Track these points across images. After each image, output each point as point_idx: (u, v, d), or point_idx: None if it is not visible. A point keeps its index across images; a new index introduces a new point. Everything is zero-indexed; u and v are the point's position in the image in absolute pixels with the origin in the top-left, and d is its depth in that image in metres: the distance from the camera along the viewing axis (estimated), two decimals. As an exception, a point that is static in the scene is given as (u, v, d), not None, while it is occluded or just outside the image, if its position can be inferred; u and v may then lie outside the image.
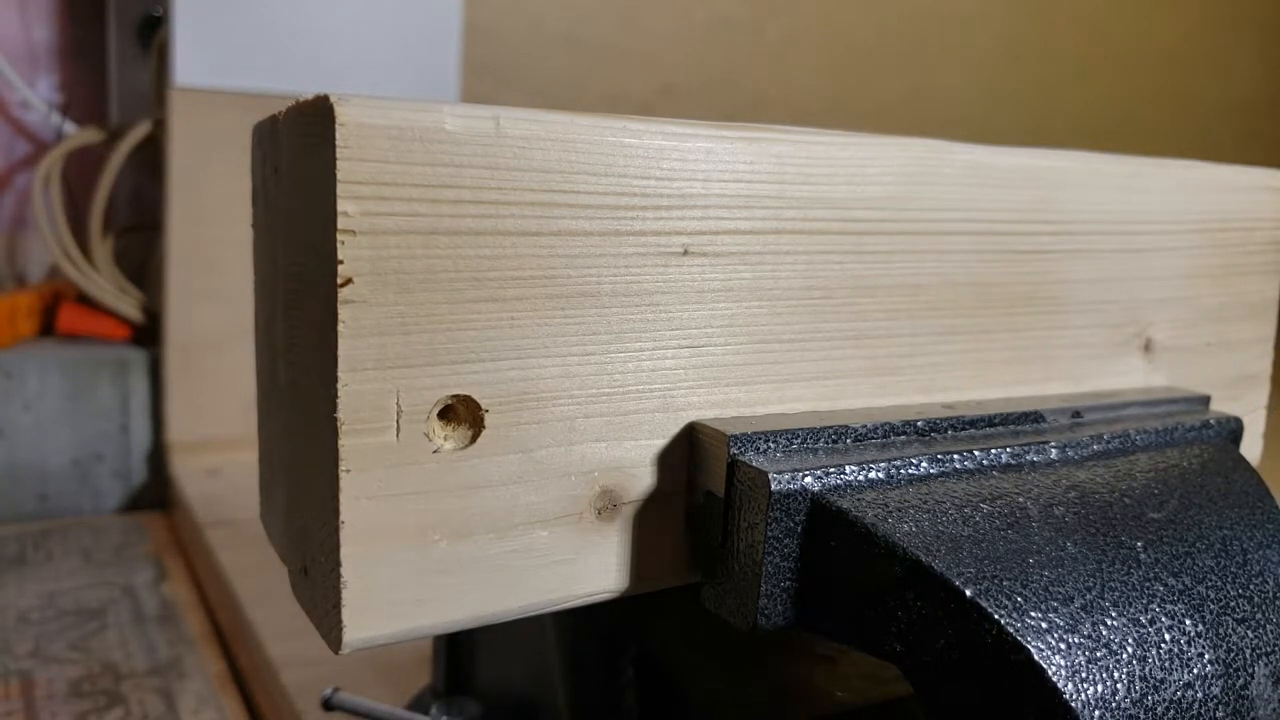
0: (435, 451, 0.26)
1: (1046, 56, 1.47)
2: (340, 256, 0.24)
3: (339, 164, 0.24)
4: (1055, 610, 0.26)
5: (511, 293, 0.27)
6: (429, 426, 0.26)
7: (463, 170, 0.26)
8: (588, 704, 0.37)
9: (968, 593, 0.26)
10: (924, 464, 0.30)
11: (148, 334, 0.90)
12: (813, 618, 0.29)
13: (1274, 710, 0.28)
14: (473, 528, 0.27)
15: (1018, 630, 0.25)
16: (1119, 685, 0.25)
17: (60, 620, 0.64)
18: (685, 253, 0.29)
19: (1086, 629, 0.26)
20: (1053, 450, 0.33)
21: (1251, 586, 0.30)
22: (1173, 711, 0.26)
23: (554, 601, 0.29)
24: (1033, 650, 0.25)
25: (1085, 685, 0.25)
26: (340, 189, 0.24)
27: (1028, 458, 0.32)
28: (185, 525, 0.78)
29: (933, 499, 0.29)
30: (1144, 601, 0.28)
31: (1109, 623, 0.26)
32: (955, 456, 0.31)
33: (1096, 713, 0.25)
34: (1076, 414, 0.36)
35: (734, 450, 0.29)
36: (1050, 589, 0.27)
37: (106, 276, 0.91)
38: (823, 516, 0.28)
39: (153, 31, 0.93)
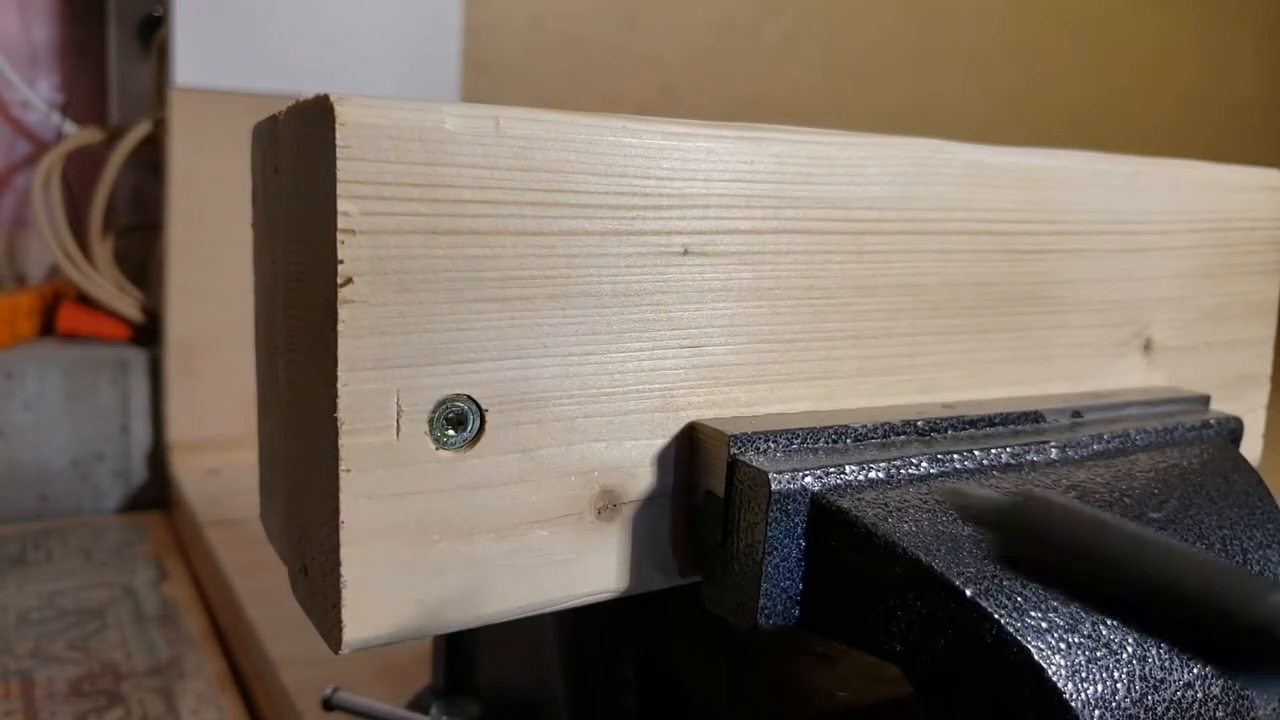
0: (435, 451, 0.26)
1: (1046, 56, 1.47)
2: (340, 256, 0.24)
3: (339, 163, 0.24)
4: (1055, 610, 0.26)
5: (511, 292, 0.27)
6: (429, 426, 0.26)
7: (463, 170, 0.25)
8: (588, 704, 0.37)
9: (968, 592, 0.26)
10: (924, 464, 0.30)
11: (148, 334, 0.90)
12: (812, 617, 0.29)
13: (1274, 709, 0.28)
14: (473, 528, 0.27)
15: (1018, 630, 0.25)
16: (1119, 685, 0.25)
17: (60, 620, 0.64)
18: (685, 252, 0.29)
19: (1086, 628, 0.26)
20: (1053, 450, 0.33)
21: (1251, 586, 0.30)
22: (1173, 711, 0.26)
23: (554, 601, 0.29)
24: (1033, 650, 0.25)
25: (1085, 685, 0.25)
26: (340, 188, 0.24)
27: (1028, 457, 0.32)
28: (185, 525, 0.78)
29: (933, 499, 0.29)
30: (1144, 601, 0.28)
31: (1109, 622, 0.26)
32: (955, 456, 0.31)
33: (1096, 712, 0.25)
34: (1076, 414, 0.36)
35: (734, 450, 0.29)
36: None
37: (106, 276, 0.91)
38: (823, 516, 0.28)
39: (153, 31, 0.92)
